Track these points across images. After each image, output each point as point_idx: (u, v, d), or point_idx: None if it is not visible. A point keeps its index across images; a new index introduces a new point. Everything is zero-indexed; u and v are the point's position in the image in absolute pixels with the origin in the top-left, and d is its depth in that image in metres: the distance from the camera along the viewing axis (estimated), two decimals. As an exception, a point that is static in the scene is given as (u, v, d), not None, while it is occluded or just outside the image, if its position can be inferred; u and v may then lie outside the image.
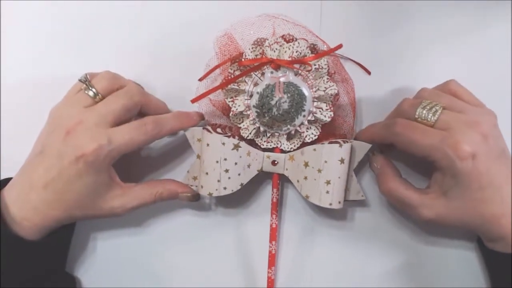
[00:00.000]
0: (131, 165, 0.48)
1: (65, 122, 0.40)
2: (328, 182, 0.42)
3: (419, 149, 0.38)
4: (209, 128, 0.44)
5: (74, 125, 0.39)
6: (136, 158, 0.48)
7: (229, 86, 0.43)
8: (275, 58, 0.42)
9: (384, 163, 0.43)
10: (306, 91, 0.42)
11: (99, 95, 0.41)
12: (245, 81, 0.43)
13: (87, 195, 0.40)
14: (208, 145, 0.43)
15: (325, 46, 0.44)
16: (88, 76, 0.42)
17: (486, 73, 0.46)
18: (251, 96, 0.43)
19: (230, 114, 0.44)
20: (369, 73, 0.46)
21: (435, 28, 0.46)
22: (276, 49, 0.42)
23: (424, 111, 0.39)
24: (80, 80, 0.42)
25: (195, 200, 0.45)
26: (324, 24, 0.46)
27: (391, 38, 0.47)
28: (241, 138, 0.44)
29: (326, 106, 0.43)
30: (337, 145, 0.42)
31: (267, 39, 0.43)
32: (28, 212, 0.40)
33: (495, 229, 0.38)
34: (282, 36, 0.43)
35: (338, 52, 0.45)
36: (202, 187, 0.43)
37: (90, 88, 0.41)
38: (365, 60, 0.46)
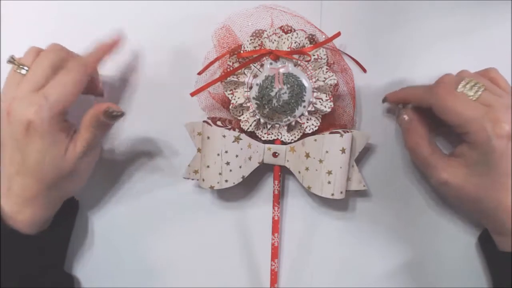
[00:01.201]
0: (130, 159, 0.48)
1: (3, 106, 0.40)
2: (329, 173, 0.42)
3: (458, 117, 0.38)
4: (209, 121, 0.44)
5: (10, 104, 0.39)
6: (136, 153, 0.48)
7: (228, 78, 0.43)
8: (274, 49, 0.42)
9: (415, 117, 0.42)
10: (305, 82, 0.42)
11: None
12: (244, 73, 0.43)
13: (53, 159, 0.40)
14: (208, 138, 0.43)
15: (324, 36, 0.44)
16: (14, 56, 0.42)
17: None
18: (250, 88, 0.43)
19: (230, 107, 0.44)
20: (365, 71, 0.46)
21: (435, 28, 0.46)
22: (275, 40, 0.42)
23: (467, 87, 0.38)
24: (8, 62, 0.42)
25: (113, 118, 0.41)
26: (324, 22, 0.46)
27: (391, 37, 0.47)
28: (242, 131, 0.44)
29: (326, 96, 0.43)
30: (338, 135, 0.42)
31: (266, 31, 0.43)
32: (18, 206, 0.40)
33: (507, 221, 0.37)
34: (281, 27, 0.43)
35: (337, 49, 0.45)
36: (203, 180, 0.43)
37: (21, 66, 0.41)
38: (364, 59, 0.46)
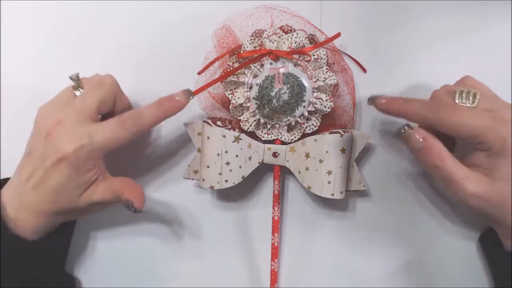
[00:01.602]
0: (130, 159, 0.48)
1: (45, 123, 0.39)
2: (329, 173, 0.42)
3: (468, 130, 0.37)
4: (209, 121, 0.44)
5: (53, 126, 0.39)
6: (136, 153, 0.48)
7: (228, 78, 0.43)
8: (274, 49, 0.42)
9: (428, 135, 0.39)
10: (305, 82, 0.42)
11: None
12: (244, 73, 0.43)
13: (69, 194, 0.40)
14: (208, 138, 0.43)
15: (324, 36, 0.44)
16: (78, 75, 0.42)
17: (486, 73, 0.45)
18: (250, 88, 0.43)
19: (230, 107, 0.44)
20: (365, 71, 0.46)
21: (435, 28, 0.46)
22: (275, 40, 0.42)
23: (464, 95, 0.38)
24: (70, 78, 0.42)
25: (129, 209, 0.41)
26: (324, 22, 0.46)
27: (391, 37, 0.47)
28: (242, 131, 0.44)
29: (326, 96, 0.43)
30: (338, 135, 0.42)
31: (266, 31, 0.43)
32: (22, 213, 0.40)
33: None
34: (281, 27, 0.43)
35: (337, 49, 0.45)
36: (203, 180, 0.43)
37: (80, 89, 0.41)
38: (364, 59, 0.46)
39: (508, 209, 0.37)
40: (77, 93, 0.41)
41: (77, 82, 0.41)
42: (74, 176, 0.39)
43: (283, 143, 0.45)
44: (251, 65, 0.43)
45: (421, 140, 0.39)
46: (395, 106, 0.40)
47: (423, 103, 0.40)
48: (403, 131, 0.39)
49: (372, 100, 0.41)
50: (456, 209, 0.46)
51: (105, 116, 0.42)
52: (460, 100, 0.38)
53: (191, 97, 0.41)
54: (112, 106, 0.42)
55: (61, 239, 0.45)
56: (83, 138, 0.38)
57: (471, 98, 0.38)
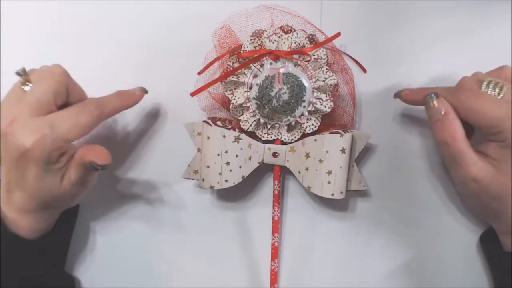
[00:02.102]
0: (130, 159, 0.48)
1: (2, 124, 0.38)
2: (329, 173, 0.42)
3: (487, 118, 0.37)
4: (209, 121, 0.44)
5: (8, 126, 0.37)
6: (136, 153, 0.48)
7: (228, 78, 0.43)
8: (274, 49, 0.42)
9: (450, 109, 0.39)
10: (305, 82, 0.42)
11: None
12: (244, 73, 0.43)
13: (49, 185, 0.39)
14: (208, 138, 0.43)
15: (324, 36, 0.44)
16: (25, 69, 0.40)
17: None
18: (250, 88, 0.43)
19: (230, 107, 0.44)
20: (365, 71, 0.46)
21: (435, 28, 0.46)
22: (275, 40, 0.42)
23: (491, 85, 0.38)
24: (17, 73, 0.40)
25: (96, 170, 0.39)
26: (324, 22, 0.46)
27: (391, 37, 0.47)
28: (242, 131, 0.44)
29: (326, 96, 0.43)
30: (338, 135, 0.42)
31: (266, 31, 0.43)
32: (15, 214, 0.40)
33: None
34: (281, 27, 0.43)
35: (337, 49, 0.45)
36: (203, 180, 0.43)
37: (28, 83, 0.39)
38: (364, 59, 0.46)
39: (508, 203, 0.37)
40: (26, 88, 0.39)
41: (25, 77, 0.39)
42: (46, 168, 0.38)
43: (283, 143, 0.45)
44: (251, 65, 0.43)
45: (442, 112, 0.39)
46: (419, 94, 0.41)
47: (446, 90, 0.40)
48: (429, 97, 0.39)
49: (397, 95, 0.43)
50: (456, 210, 0.46)
51: (61, 107, 0.40)
52: (486, 90, 0.38)
53: (145, 94, 0.44)
54: (66, 96, 0.40)
55: (61, 239, 0.45)
56: (43, 129, 0.37)
57: (497, 90, 0.38)
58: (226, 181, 0.43)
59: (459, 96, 0.38)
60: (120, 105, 0.43)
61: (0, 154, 0.39)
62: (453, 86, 0.40)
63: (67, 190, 0.40)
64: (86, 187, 0.42)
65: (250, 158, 0.44)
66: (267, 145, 0.44)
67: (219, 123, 0.44)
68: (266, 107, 0.43)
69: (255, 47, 0.43)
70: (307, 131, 0.44)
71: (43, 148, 0.37)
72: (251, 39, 0.43)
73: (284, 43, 0.42)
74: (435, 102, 0.39)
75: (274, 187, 0.45)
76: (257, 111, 0.44)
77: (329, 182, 0.42)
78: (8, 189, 0.40)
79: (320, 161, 0.42)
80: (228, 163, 0.43)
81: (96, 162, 0.38)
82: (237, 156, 0.43)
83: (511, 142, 0.36)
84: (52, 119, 0.38)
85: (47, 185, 0.39)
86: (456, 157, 0.39)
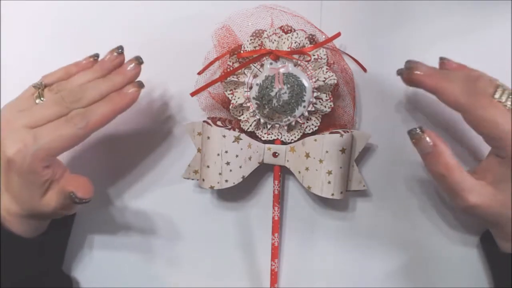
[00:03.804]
0: (130, 159, 0.48)
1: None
2: (329, 173, 0.42)
3: (497, 130, 0.36)
4: (209, 121, 0.44)
5: (2, 130, 0.37)
6: (136, 153, 0.48)
7: (228, 78, 0.43)
8: (274, 49, 0.42)
9: (439, 140, 0.38)
10: (305, 82, 0.42)
11: None
12: (244, 73, 0.43)
13: (29, 198, 0.38)
14: (208, 138, 0.43)
15: (324, 36, 0.44)
16: (42, 83, 0.40)
17: (486, 73, 0.45)
18: (250, 88, 0.43)
19: (230, 107, 0.44)
20: (365, 70, 0.46)
21: (435, 28, 0.46)
22: (275, 40, 0.42)
23: (504, 96, 0.36)
24: (34, 86, 0.40)
25: (75, 203, 0.39)
26: (324, 22, 0.46)
27: (391, 37, 0.47)
28: (242, 131, 0.44)
29: (326, 96, 0.43)
30: (338, 135, 0.42)
31: (266, 31, 0.43)
32: (6, 214, 0.40)
33: None
34: (281, 27, 0.43)
35: (337, 48, 0.45)
36: (203, 180, 0.43)
37: (42, 98, 0.39)
38: (364, 59, 0.46)
39: (508, 218, 0.37)
40: (38, 101, 0.39)
41: (41, 91, 0.40)
42: (28, 179, 0.37)
43: (283, 143, 0.45)
44: (251, 65, 0.43)
45: (431, 144, 0.37)
46: (433, 81, 0.39)
47: (461, 84, 0.38)
48: (414, 132, 0.38)
49: (407, 68, 0.40)
50: (457, 210, 0.45)
51: None
52: (499, 97, 0.36)
53: (141, 89, 0.41)
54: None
55: (58, 238, 0.45)
56: (26, 139, 0.36)
57: (510, 101, 0.36)
58: (226, 181, 0.43)
59: (472, 102, 0.36)
60: (111, 111, 0.39)
61: None
62: (467, 80, 0.38)
63: (48, 207, 0.39)
64: (69, 211, 0.41)
65: (250, 158, 0.44)
66: (267, 145, 0.44)
67: (219, 123, 0.44)
68: (266, 107, 0.43)
69: (255, 47, 0.43)
70: (307, 131, 0.44)
71: (24, 159, 0.36)
72: (251, 39, 0.43)
73: (284, 43, 0.42)
74: (422, 136, 0.38)
75: (274, 187, 0.45)
76: (257, 111, 0.44)
77: (329, 182, 0.42)
78: (1, 189, 0.39)
79: (320, 161, 0.42)
80: (228, 163, 0.43)
81: (76, 194, 0.38)
82: (237, 156, 0.43)
83: (511, 159, 0.36)
84: (38, 130, 0.37)
85: (29, 196, 0.38)
86: (453, 187, 0.37)
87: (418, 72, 0.39)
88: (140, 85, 0.41)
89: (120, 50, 0.42)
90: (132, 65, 0.41)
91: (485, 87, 0.37)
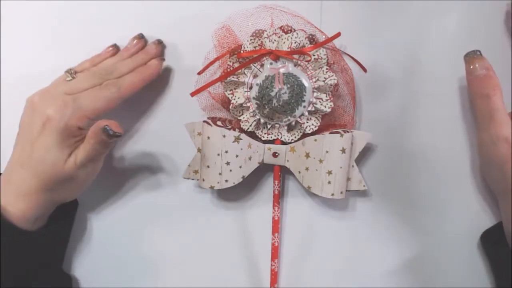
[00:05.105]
0: (131, 159, 0.48)
1: (31, 98, 0.41)
2: (329, 173, 0.42)
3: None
4: (209, 121, 0.44)
5: (40, 95, 0.41)
6: (136, 153, 0.48)
7: (228, 78, 0.43)
8: (274, 49, 0.42)
9: (492, 69, 0.40)
10: (306, 82, 0.42)
11: None
12: (245, 73, 0.43)
13: (55, 161, 0.40)
14: (208, 138, 0.43)
15: (324, 36, 0.44)
16: (73, 68, 0.45)
17: None
18: (250, 88, 0.43)
19: (230, 107, 0.44)
20: (365, 71, 0.46)
21: (435, 28, 0.46)
22: (275, 40, 0.42)
23: None
24: (66, 71, 0.44)
25: (109, 136, 0.40)
26: (324, 22, 0.46)
27: (391, 37, 0.47)
28: (242, 131, 0.44)
29: (326, 96, 0.43)
30: (338, 135, 0.42)
31: (266, 31, 0.43)
32: (12, 197, 0.40)
33: None
34: (281, 27, 0.43)
35: (337, 48, 0.45)
36: (203, 180, 0.43)
37: (74, 76, 0.44)
38: (364, 59, 0.46)
39: None
40: (69, 79, 0.43)
41: (72, 74, 0.44)
42: (58, 139, 0.39)
43: (283, 143, 0.45)
44: (251, 65, 0.43)
45: (486, 66, 0.40)
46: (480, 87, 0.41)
47: (490, 118, 0.39)
48: (473, 53, 0.41)
49: (473, 55, 0.41)
50: (456, 209, 0.46)
51: None
52: None
53: (163, 62, 0.47)
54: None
55: (59, 235, 0.45)
56: (65, 99, 0.40)
57: None
58: (226, 181, 0.43)
59: (500, 151, 0.38)
60: (138, 80, 0.45)
61: (23, 127, 0.41)
62: (502, 116, 0.39)
63: (69, 171, 0.40)
64: (88, 175, 0.42)
65: (250, 158, 0.44)
66: (267, 145, 0.44)
67: (219, 123, 0.44)
68: (266, 107, 0.43)
69: (255, 47, 0.43)
70: (307, 131, 0.44)
71: (63, 116, 0.39)
72: (251, 39, 0.43)
73: (284, 43, 0.42)
74: (482, 57, 0.40)
75: (274, 187, 0.45)
76: (257, 111, 0.44)
77: (329, 182, 0.42)
78: (13, 168, 0.40)
79: (320, 161, 0.42)
80: (228, 163, 0.42)
81: (110, 126, 0.39)
82: (237, 156, 0.43)
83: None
84: (75, 95, 0.41)
85: (52, 162, 0.40)
86: (493, 113, 0.39)
87: (482, 73, 0.41)
88: (162, 58, 0.47)
89: (141, 35, 0.48)
90: (153, 46, 0.47)
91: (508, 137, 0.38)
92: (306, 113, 0.43)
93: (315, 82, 0.43)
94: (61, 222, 0.44)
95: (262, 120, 0.44)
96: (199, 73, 0.45)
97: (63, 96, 0.40)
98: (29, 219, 0.41)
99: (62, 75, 0.44)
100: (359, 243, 0.47)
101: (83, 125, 0.41)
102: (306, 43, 0.43)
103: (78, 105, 0.40)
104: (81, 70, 0.45)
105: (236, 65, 0.43)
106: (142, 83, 0.45)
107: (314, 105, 0.43)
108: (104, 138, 0.39)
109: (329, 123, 0.45)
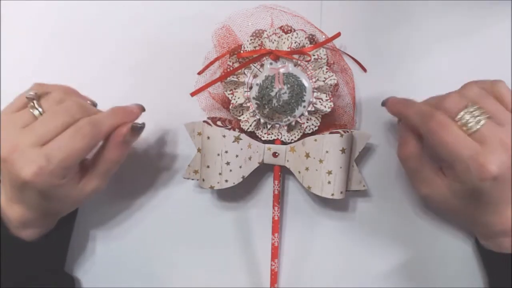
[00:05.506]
0: (130, 159, 0.48)
1: (2, 147, 0.36)
2: (329, 173, 0.42)
3: (447, 153, 0.36)
4: (209, 121, 0.44)
5: (9, 153, 0.36)
6: (136, 153, 0.48)
7: (228, 78, 0.43)
8: (274, 49, 0.42)
9: (408, 130, 0.40)
10: (305, 82, 0.42)
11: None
12: (244, 73, 0.43)
13: (57, 201, 0.39)
14: (208, 138, 0.43)
15: (324, 36, 0.44)
16: (36, 93, 0.38)
17: (486, 73, 0.45)
18: (250, 88, 0.43)
19: (230, 107, 0.44)
20: (365, 70, 0.46)
21: (435, 28, 0.46)
22: (275, 40, 0.42)
23: (468, 117, 0.35)
24: (28, 97, 0.38)
25: (137, 131, 0.40)
26: (324, 22, 0.46)
27: (391, 37, 0.47)
28: (242, 131, 0.44)
29: (326, 96, 0.43)
30: (338, 135, 0.42)
31: (266, 31, 0.43)
32: (8, 203, 0.39)
33: (488, 229, 0.39)
34: (281, 27, 0.43)
35: (337, 48, 0.45)
36: (203, 180, 0.43)
37: (37, 107, 0.38)
38: (364, 59, 0.46)
39: (476, 220, 0.39)
40: (35, 112, 0.38)
41: (35, 102, 0.38)
42: (48, 192, 0.38)
43: (283, 143, 0.45)
44: (251, 65, 0.43)
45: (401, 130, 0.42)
46: (396, 108, 0.41)
47: (419, 111, 0.38)
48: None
49: (384, 103, 0.43)
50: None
51: None
52: (463, 119, 0.36)
53: (142, 111, 0.42)
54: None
55: (60, 238, 0.45)
56: (40, 160, 0.36)
57: (476, 120, 0.35)
58: (226, 181, 0.43)
59: (430, 124, 0.36)
60: (118, 123, 0.40)
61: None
62: (427, 106, 0.38)
63: (79, 199, 0.41)
64: (106, 176, 0.42)
65: (250, 158, 0.44)
66: (267, 145, 0.44)
67: (219, 123, 0.44)
68: (266, 107, 0.43)
69: (255, 47, 0.43)
70: (307, 131, 0.44)
71: (42, 180, 0.36)
72: (251, 39, 0.43)
73: (284, 43, 0.42)
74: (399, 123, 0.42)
75: (274, 187, 0.45)
76: (257, 111, 0.44)
77: (329, 182, 0.42)
78: (8, 202, 0.39)
79: (320, 161, 0.42)
80: (228, 163, 0.43)
81: (135, 124, 0.40)
82: (237, 156, 0.43)
83: (464, 181, 0.37)
84: (47, 150, 0.36)
85: (64, 194, 0.39)
86: (410, 174, 0.41)
87: (388, 102, 0.42)
88: (142, 107, 0.42)
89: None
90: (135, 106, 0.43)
91: (450, 107, 0.36)
92: (306, 113, 0.43)
93: (315, 82, 0.43)
94: (62, 227, 0.44)
95: (262, 120, 0.44)
96: (199, 73, 0.45)
97: (35, 156, 0.36)
98: (36, 232, 0.41)
99: (20, 101, 0.38)
100: (359, 243, 0.47)
101: (66, 175, 0.38)
102: (306, 43, 0.43)
103: (55, 163, 0.36)
104: (46, 92, 0.39)
105: (236, 65, 0.43)
106: (118, 124, 0.40)
107: (314, 105, 0.43)
108: (131, 138, 0.40)
109: (329, 123, 0.45)
